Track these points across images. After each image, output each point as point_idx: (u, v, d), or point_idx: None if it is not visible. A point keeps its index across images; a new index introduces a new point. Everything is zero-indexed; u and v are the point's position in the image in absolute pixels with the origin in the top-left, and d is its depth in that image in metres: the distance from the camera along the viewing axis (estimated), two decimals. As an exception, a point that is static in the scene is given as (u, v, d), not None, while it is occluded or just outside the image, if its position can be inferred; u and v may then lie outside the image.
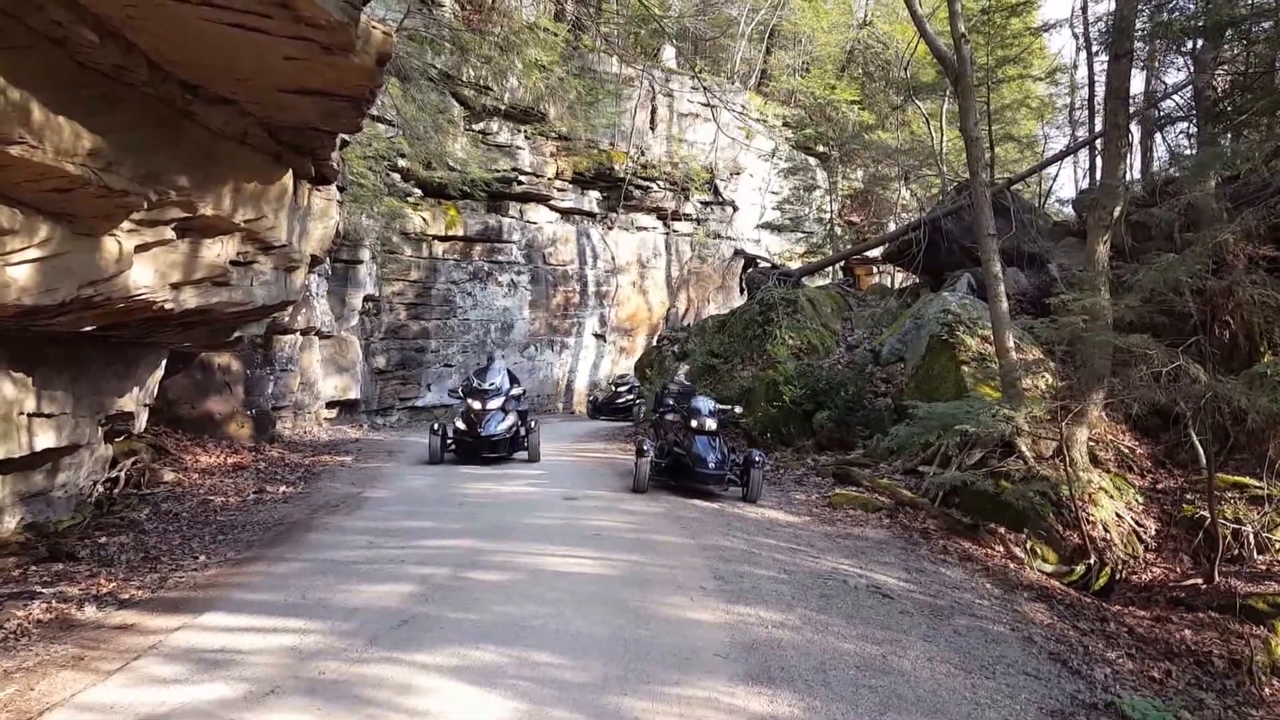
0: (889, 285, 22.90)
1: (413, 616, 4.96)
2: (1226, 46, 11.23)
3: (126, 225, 5.49)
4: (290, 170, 7.21)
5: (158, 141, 5.35)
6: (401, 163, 18.15)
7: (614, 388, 21.85)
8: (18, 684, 4.01)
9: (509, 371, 12.02)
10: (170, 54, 4.98)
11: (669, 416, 10.51)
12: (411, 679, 4.10)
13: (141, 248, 5.74)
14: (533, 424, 11.71)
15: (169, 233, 5.94)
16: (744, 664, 4.54)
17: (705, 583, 6.02)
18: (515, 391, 11.64)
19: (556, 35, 21.24)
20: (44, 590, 5.45)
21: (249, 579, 5.81)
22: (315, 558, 6.32)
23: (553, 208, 23.26)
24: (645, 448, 9.66)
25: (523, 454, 11.53)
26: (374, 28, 5.29)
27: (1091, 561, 8.24)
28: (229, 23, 4.49)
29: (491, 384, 11.32)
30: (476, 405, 11.06)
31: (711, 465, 9.36)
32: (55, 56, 4.49)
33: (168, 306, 6.26)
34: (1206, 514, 8.45)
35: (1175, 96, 13.60)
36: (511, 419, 11.27)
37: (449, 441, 11.19)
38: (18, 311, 5.04)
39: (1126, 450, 10.21)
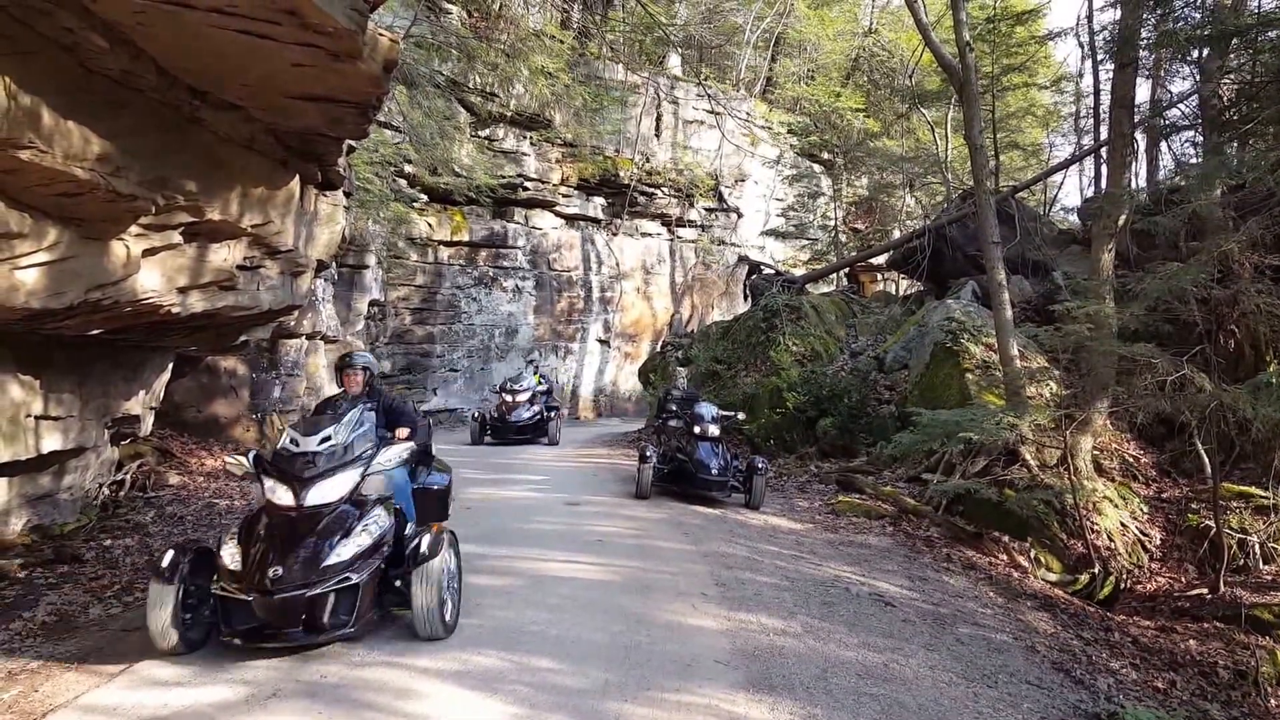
0: (893, 292, 22.93)
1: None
2: (1232, 55, 11.24)
3: (134, 229, 5.52)
4: (297, 175, 7.25)
5: (165, 146, 5.38)
6: (408, 168, 18.22)
7: (504, 395, 14.90)
8: (22, 685, 4.03)
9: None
10: (178, 60, 5.01)
11: (672, 422, 10.51)
12: (412, 683, 4.11)
13: (149, 252, 5.77)
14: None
15: (176, 237, 5.98)
16: (745, 671, 4.54)
17: (707, 589, 6.02)
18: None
19: (563, 43, 21.32)
20: (49, 592, 5.48)
21: (252, 582, 5.81)
22: (318, 561, 6.32)
23: (558, 214, 23.32)
24: (648, 453, 9.68)
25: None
26: (380, 35, 5.32)
27: (1095, 570, 8.22)
28: (237, 29, 4.52)
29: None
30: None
31: (714, 471, 9.37)
32: (64, 62, 4.52)
33: (174, 310, 6.29)
34: (1212, 524, 8.43)
35: (1180, 105, 13.58)
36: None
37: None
38: (26, 314, 5.08)
39: (1131, 459, 10.19)
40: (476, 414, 15.14)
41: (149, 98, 5.13)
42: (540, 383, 15.46)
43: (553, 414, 14.93)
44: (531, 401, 14.68)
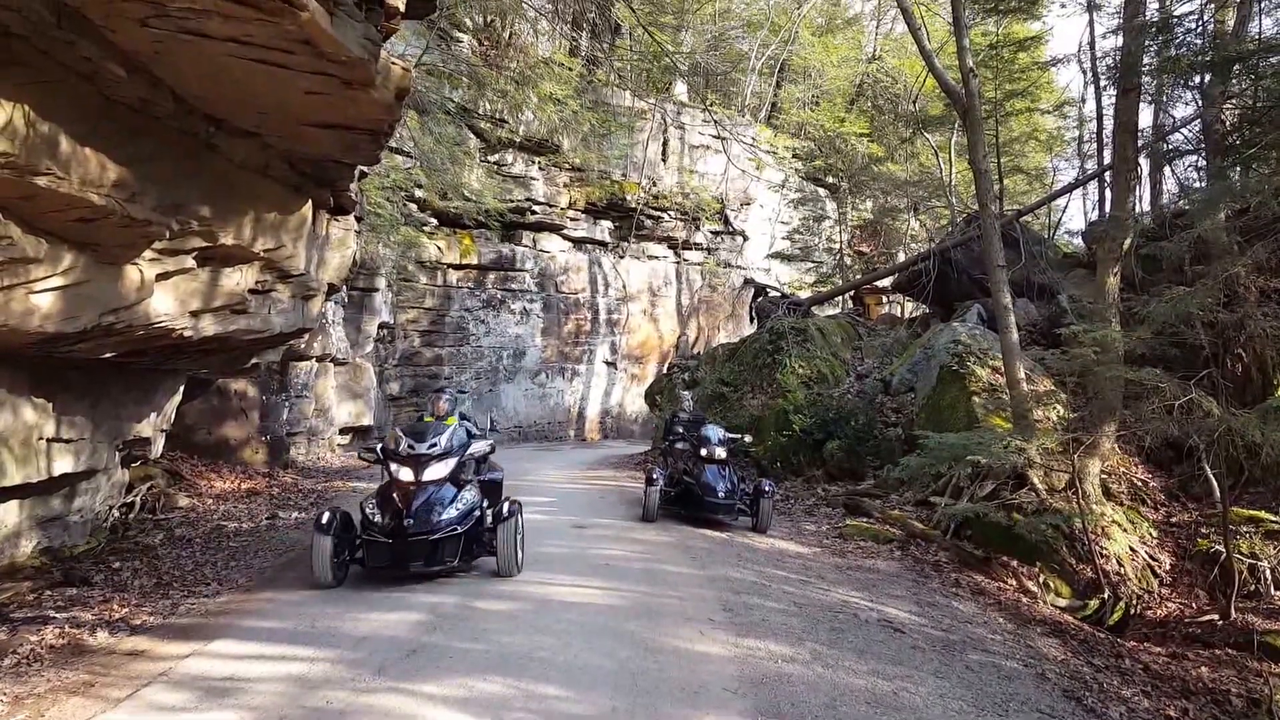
0: (899, 315, 22.91)
1: (420, 646, 4.96)
2: (1234, 81, 11.30)
3: (148, 254, 5.59)
4: (309, 201, 7.34)
5: (181, 173, 5.47)
6: (418, 193, 18.38)
7: (398, 465, 6.56)
8: (28, 710, 4.04)
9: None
10: (195, 88, 5.11)
11: (679, 445, 10.50)
12: (418, 710, 4.10)
13: (162, 276, 5.84)
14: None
15: (190, 262, 6.05)
16: (753, 699, 4.51)
17: (714, 615, 6.00)
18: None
19: (571, 70, 21.55)
20: (57, 615, 5.49)
21: (260, 605, 5.84)
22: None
23: (565, 237, 23.47)
24: (655, 476, 9.67)
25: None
26: (393, 64, 5.42)
27: (1105, 596, 8.16)
28: (253, 58, 4.61)
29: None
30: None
31: (721, 494, 9.34)
32: (83, 90, 4.61)
33: (187, 334, 6.35)
34: (1221, 548, 8.38)
35: (1183, 130, 13.69)
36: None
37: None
38: (41, 338, 5.14)
39: (1139, 483, 10.15)
40: (330, 515, 6.28)
41: (166, 125, 5.22)
42: (463, 428, 7.28)
43: (505, 507, 6.61)
44: (456, 481, 6.66)
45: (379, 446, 6.78)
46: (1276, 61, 10.06)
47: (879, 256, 28.48)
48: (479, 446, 7.06)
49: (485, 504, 6.85)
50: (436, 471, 6.47)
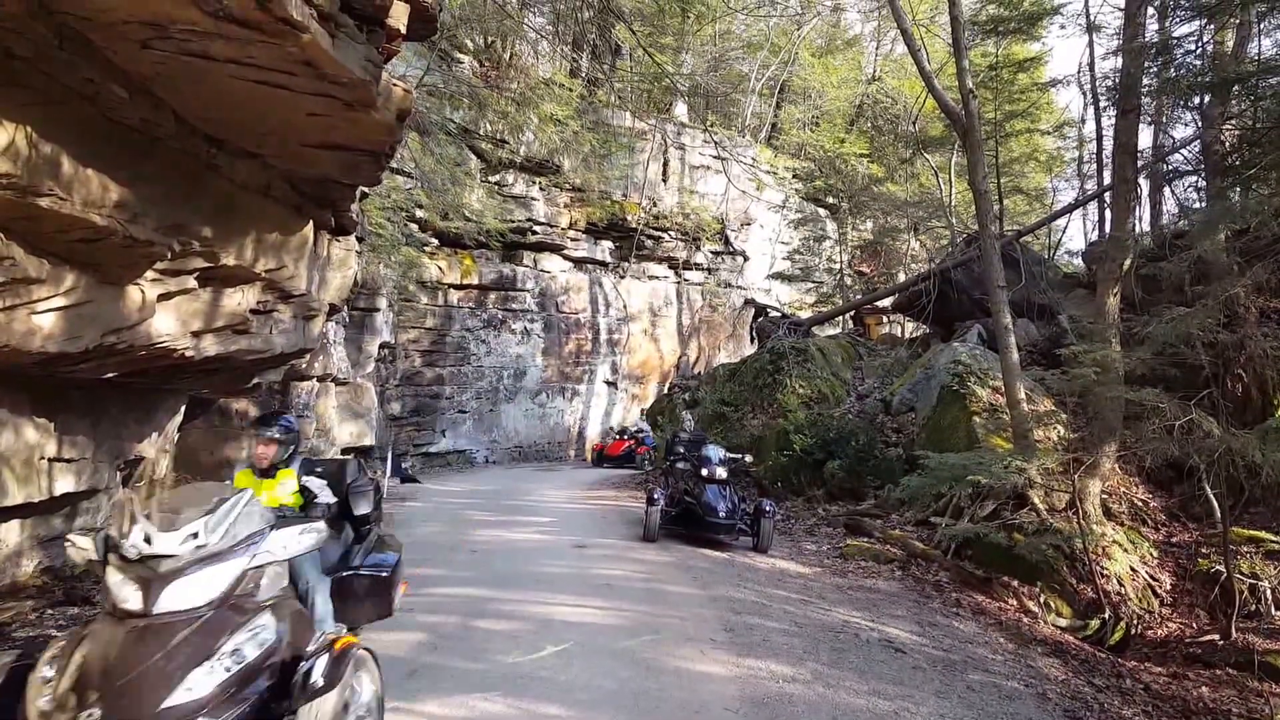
0: (899, 335, 22.95)
1: (421, 666, 4.95)
2: (1233, 102, 11.36)
3: (150, 274, 5.62)
4: (311, 221, 7.37)
5: (182, 193, 5.50)
6: (419, 213, 18.49)
7: (140, 549, 2.88)
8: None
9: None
10: (197, 109, 5.15)
11: (680, 465, 10.50)
12: (418, 729, 4.08)
13: (164, 296, 5.86)
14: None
15: (191, 282, 6.07)
16: (754, 719, 4.50)
17: (715, 634, 5.98)
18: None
19: (571, 91, 21.74)
20: (59, 634, 5.47)
21: (258, 625, 5.80)
22: (324, 605, 6.30)
23: (566, 257, 23.57)
24: (656, 496, 9.67)
25: None
26: (394, 85, 5.46)
27: (1106, 616, 8.12)
28: (255, 80, 4.65)
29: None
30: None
31: (722, 514, 9.33)
32: (86, 112, 4.65)
33: (188, 354, 6.36)
34: (1222, 568, 8.34)
35: (1183, 151, 13.75)
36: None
37: None
38: (43, 358, 5.15)
39: (1140, 503, 10.12)
40: None
41: (168, 146, 5.26)
42: (294, 490, 4.53)
43: (320, 664, 3.06)
44: (241, 606, 3.05)
45: (102, 534, 3.07)
46: (1276, 82, 10.12)
47: (879, 277, 28.58)
48: (292, 542, 3.30)
49: (319, 637, 3.47)
50: (186, 595, 2.93)
